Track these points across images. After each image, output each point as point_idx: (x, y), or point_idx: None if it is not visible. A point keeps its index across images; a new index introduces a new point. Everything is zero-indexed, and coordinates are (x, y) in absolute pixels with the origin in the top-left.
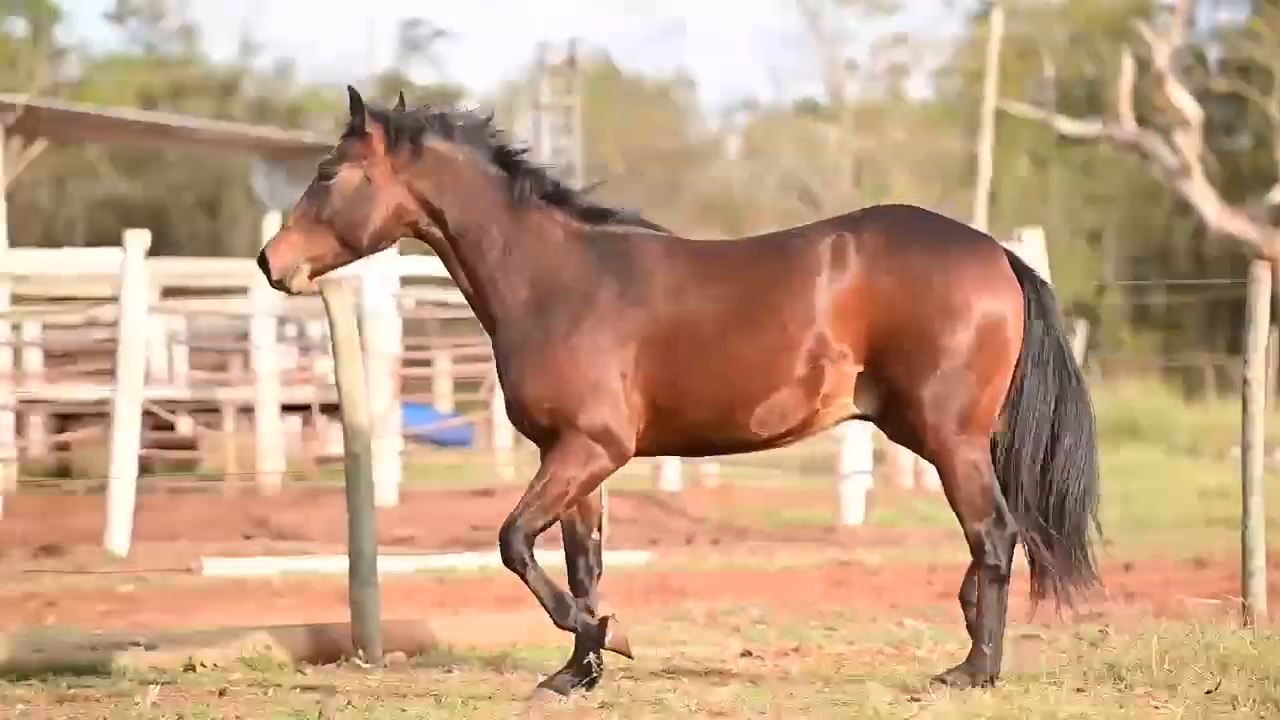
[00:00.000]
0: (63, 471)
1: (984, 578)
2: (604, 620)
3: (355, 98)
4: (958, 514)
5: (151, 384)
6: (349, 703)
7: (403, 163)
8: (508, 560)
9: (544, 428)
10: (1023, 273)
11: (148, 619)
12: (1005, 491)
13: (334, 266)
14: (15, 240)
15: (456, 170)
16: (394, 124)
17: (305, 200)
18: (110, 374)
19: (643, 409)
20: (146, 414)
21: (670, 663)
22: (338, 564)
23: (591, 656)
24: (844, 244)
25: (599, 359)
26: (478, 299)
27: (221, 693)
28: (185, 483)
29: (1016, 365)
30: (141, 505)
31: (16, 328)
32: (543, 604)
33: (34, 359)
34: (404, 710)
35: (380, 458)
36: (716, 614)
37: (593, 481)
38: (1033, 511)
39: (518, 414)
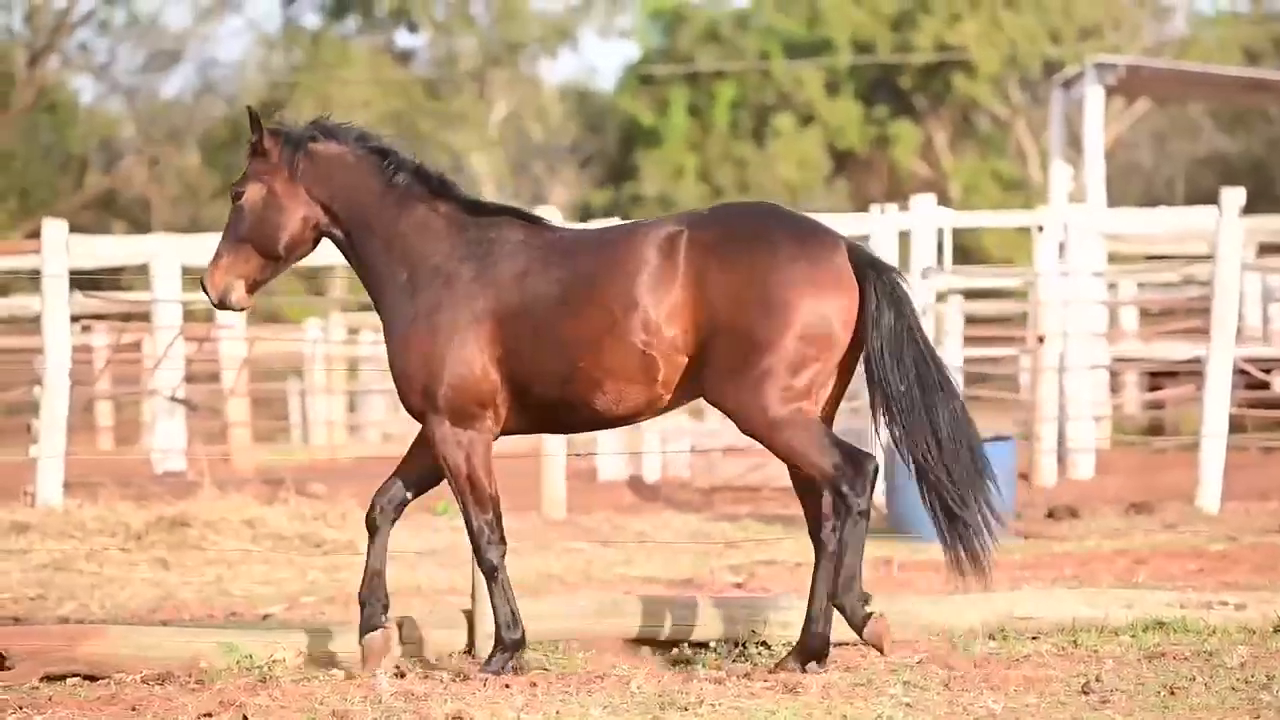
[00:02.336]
0: (1155, 429)
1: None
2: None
3: (254, 118)
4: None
5: (1245, 342)
6: None
7: (298, 171)
8: (481, 568)
9: (415, 406)
10: (872, 267)
11: (1237, 578)
12: (921, 482)
13: (265, 280)
14: (1114, 198)
15: (345, 172)
16: (286, 137)
17: (229, 223)
18: (1203, 332)
19: (500, 384)
20: (1239, 372)
21: None
22: None
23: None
24: (677, 238)
25: (456, 337)
26: (366, 284)
27: None
28: (1278, 442)
29: (870, 358)
30: (1233, 464)
31: (1113, 286)
32: (494, 609)
33: (1129, 317)
34: None
35: None
36: None
37: (479, 456)
38: (946, 499)
39: (399, 392)
